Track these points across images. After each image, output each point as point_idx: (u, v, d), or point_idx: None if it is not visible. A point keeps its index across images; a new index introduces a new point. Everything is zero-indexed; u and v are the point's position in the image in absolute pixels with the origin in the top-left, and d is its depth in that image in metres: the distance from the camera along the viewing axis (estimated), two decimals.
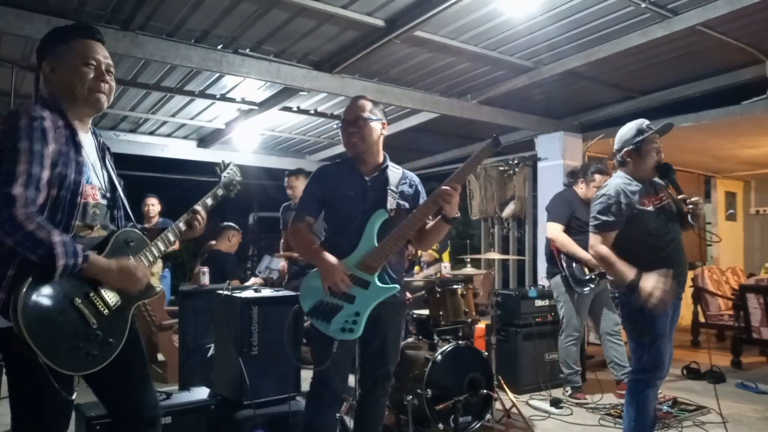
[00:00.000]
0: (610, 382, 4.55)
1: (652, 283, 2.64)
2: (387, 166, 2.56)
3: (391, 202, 2.46)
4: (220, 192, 2.22)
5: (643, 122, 2.92)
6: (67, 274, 1.59)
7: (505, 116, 5.91)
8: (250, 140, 6.95)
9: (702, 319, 6.69)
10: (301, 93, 5.11)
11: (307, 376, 2.77)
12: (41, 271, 1.56)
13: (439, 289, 3.73)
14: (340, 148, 7.61)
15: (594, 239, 2.83)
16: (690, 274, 6.68)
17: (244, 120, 6.08)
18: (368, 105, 2.52)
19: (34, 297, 1.56)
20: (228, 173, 2.30)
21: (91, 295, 1.69)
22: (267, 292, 3.48)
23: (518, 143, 6.90)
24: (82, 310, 1.66)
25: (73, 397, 1.73)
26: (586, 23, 4.00)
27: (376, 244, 2.39)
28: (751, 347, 5.81)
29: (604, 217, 2.81)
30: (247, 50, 4.34)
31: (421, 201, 2.55)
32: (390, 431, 3.58)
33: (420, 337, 3.79)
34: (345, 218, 2.48)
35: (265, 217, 10.69)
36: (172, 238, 1.96)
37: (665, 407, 3.94)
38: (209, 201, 2.16)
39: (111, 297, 1.74)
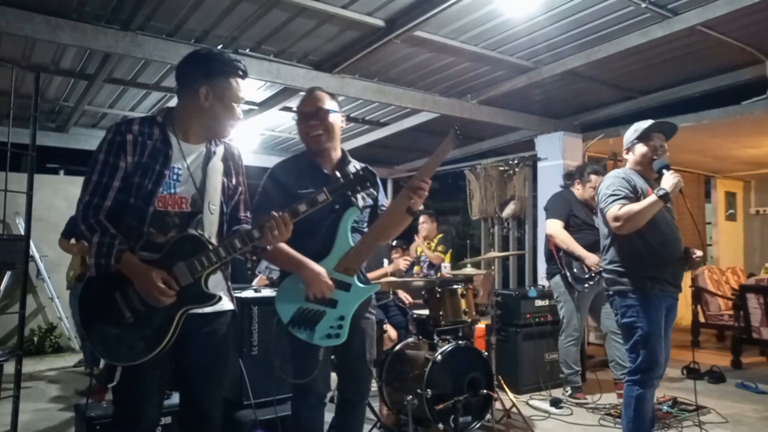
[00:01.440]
0: (610, 382, 4.55)
1: None
2: (349, 162, 2.44)
3: (361, 200, 2.36)
4: (321, 197, 1.97)
5: (645, 122, 2.94)
6: (102, 270, 1.77)
7: (505, 116, 5.91)
8: (250, 140, 6.95)
9: (702, 319, 6.69)
10: (301, 93, 5.09)
11: None
12: (90, 268, 1.80)
13: (439, 289, 3.73)
14: None
15: (614, 209, 2.76)
16: (690, 274, 6.71)
17: (244, 120, 6.07)
18: (326, 96, 2.45)
19: (88, 289, 1.84)
20: (351, 179, 1.99)
21: (130, 290, 1.80)
22: (267, 292, 3.48)
23: (518, 143, 6.90)
24: (119, 304, 1.80)
25: (110, 385, 1.84)
26: (586, 23, 4.00)
27: (352, 245, 2.29)
28: (751, 347, 5.81)
29: (618, 191, 2.80)
30: (247, 50, 4.34)
31: (380, 195, 2.47)
32: (390, 431, 3.58)
33: (420, 337, 3.79)
34: (313, 219, 2.19)
35: None
36: (238, 245, 1.88)
37: (665, 407, 3.94)
38: (302, 207, 1.96)
39: None
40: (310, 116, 2.40)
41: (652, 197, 2.71)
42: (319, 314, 2.25)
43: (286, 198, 2.21)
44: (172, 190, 1.89)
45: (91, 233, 1.79)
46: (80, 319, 1.83)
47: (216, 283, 1.97)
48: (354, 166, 2.41)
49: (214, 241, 1.95)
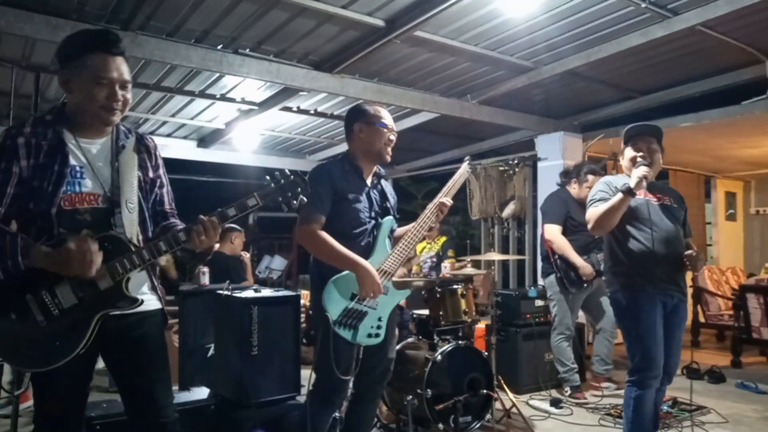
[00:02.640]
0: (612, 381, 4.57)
1: None
2: (383, 176, 2.67)
3: (393, 211, 2.61)
4: (251, 202, 1.88)
5: (634, 127, 2.97)
6: (14, 272, 1.66)
7: (505, 116, 5.91)
8: (250, 140, 6.95)
9: (702, 319, 6.69)
10: (301, 93, 5.11)
11: (307, 375, 2.76)
12: None
13: (439, 289, 3.73)
14: (340, 148, 7.63)
15: (588, 213, 2.85)
16: (690, 274, 6.69)
17: (244, 120, 6.08)
18: None
19: None
20: (284, 183, 1.92)
21: (44, 293, 1.70)
22: (267, 292, 3.48)
23: (518, 143, 6.91)
24: (31, 306, 1.69)
25: (16, 393, 1.76)
26: (586, 23, 4.00)
27: (389, 251, 2.48)
28: (751, 347, 5.81)
29: (598, 195, 2.87)
30: (247, 50, 4.34)
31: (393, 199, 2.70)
32: (390, 431, 3.58)
33: (420, 337, 3.79)
34: (356, 222, 2.46)
35: (265, 217, 10.68)
36: (162, 248, 1.80)
37: (665, 407, 3.94)
38: (231, 211, 1.86)
39: (65, 297, 1.71)
40: (392, 132, 2.58)
41: (617, 195, 2.72)
42: (363, 314, 2.37)
43: (335, 195, 2.43)
44: (77, 188, 1.79)
45: None
46: None
47: (139, 282, 1.87)
48: (384, 181, 2.68)
49: (135, 240, 1.86)
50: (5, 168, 1.73)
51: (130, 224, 1.85)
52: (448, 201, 2.62)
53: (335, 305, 2.33)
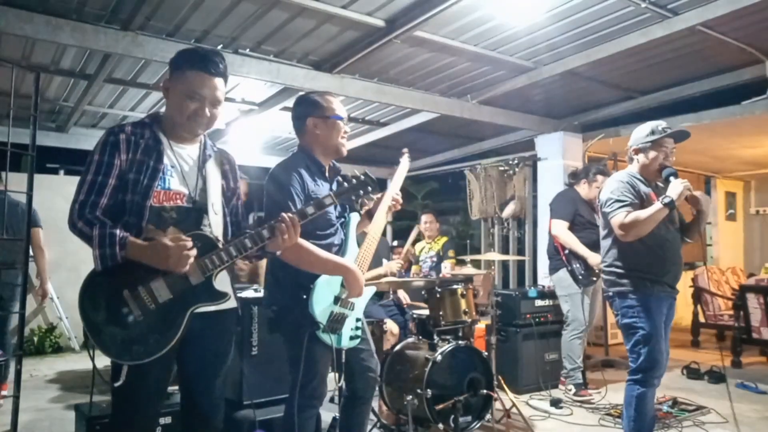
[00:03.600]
0: (612, 381, 4.57)
1: None
2: (340, 171, 2.50)
3: (353, 206, 2.53)
4: (327, 200, 2.03)
5: (660, 124, 2.93)
6: (110, 262, 1.75)
7: (505, 116, 5.91)
8: (250, 140, 6.95)
9: (702, 319, 6.69)
10: (301, 93, 5.10)
11: None
12: (95, 261, 1.77)
13: (439, 289, 3.73)
14: None
15: (620, 216, 2.76)
16: (690, 274, 6.72)
17: (244, 120, 6.08)
18: None
19: (91, 285, 1.80)
20: (355, 183, 2.04)
21: (140, 288, 1.78)
22: None
23: (518, 143, 6.90)
24: (128, 301, 1.77)
25: (117, 384, 1.80)
26: (586, 23, 4.00)
27: (358, 249, 2.41)
28: (751, 347, 5.81)
29: (623, 197, 2.79)
30: (247, 50, 4.34)
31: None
32: (390, 431, 3.58)
33: (420, 337, 3.79)
34: (326, 223, 2.33)
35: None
36: (248, 245, 1.89)
37: (665, 407, 3.94)
38: (309, 209, 2.01)
39: (161, 293, 1.80)
40: (344, 120, 2.45)
41: (657, 205, 2.70)
42: (344, 317, 2.32)
43: (306, 195, 2.28)
44: (167, 186, 1.91)
45: (89, 227, 1.78)
46: (83, 315, 1.80)
47: (223, 281, 1.96)
48: (341, 172, 2.54)
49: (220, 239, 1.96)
50: (108, 161, 1.85)
51: (215, 225, 1.97)
52: (398, 195, 2.57)
53: (323, 310, 2.25)
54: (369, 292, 2.46)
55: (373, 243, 2.46)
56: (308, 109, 2.43)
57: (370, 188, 2.04)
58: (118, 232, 1.77)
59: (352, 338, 2.38)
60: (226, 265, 1.88)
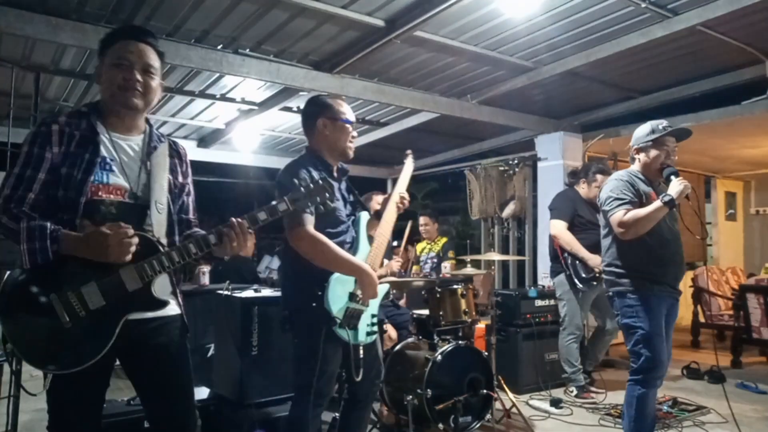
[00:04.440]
0: (612, 381, 4.58)
1: None
2: (347, 171, 2.57)
3: (361, 204, 2.57)
4: (281, 207, 1.87)
5: (660, 123, 2.93)
6: (41, 258, 1.61)
7: (505, 116, 5.91)
8: (250, 140, 6.95)
9: (702, 319, 6.69)
10: (301, 93, 5.10)
11: None
12: (23, 257, 1.62)
13: (439, 289, 3.73)
14: None
15: (619, 214, 2.76)
16: (690, 274, 6.72)
17: (244, 120, 6.08)
18: None
19: (14, 285, 1.66)
20: (312, 189, 1.92)
21: (69, 293, 1.64)
22: (267, 292, 3.48)
23: (518, 143, 6.90)
24: (56, 306, 1.63)
25: (36, 394, 1.70)
26: (586, 23, 4.00)
27: (369, 247, 2.45)
28: (751, 347, 5.81)
29: (623, 195, 2.79)
30: (247, 50, 4.34)
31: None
32: (390, 431, 3.58)
33: (420, 337, 3.79)
34: (337, 221, 2.39)
35: None
36: (193, 250, 1.76)
37: (665, 407, 3.95)
38: (262, 215, 1.84)
39: (92, 299, 1.66)
40: (353, 124, 2.50)
41: (657, 203, 2.70)
42: (360, 313, 2.35)
43: None
44: (105, 180, 1.77)
45: (15, 221, 1.64)
46: (2, 319, 1.66)
47: (163, 287, 1.82)
48: (348, 173, 2.59)
49: (162, 242, 1.82)
50: (38, 153, 1.73)
51: (158, 225, 1.83)
52: (405, 195, 2.59)
53: (339, 307, 2.28)
54: (383, 290, 2.52)
55: (383, 243, 2.49)
56: (319, 110, 2.48)
57: (327, 194, 1.93)
58: (48, 224, 1.64)
59: (369, 334, 2.40)
60: (167, 270, 1.75)
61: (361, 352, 2.35)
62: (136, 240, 1.67)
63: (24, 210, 1.67)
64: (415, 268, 5.41)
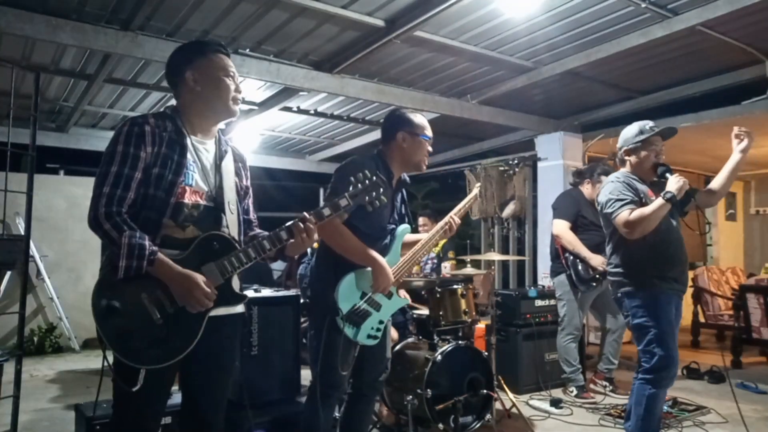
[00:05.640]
0: (614, 381, 4.57)
1: None
2: (408, 183, 2.68)
3: (408, 218, 2.68)
4: (343, 202, 1.99)
5: (647, 123, 2.94)
6: (133, 273, 1.68)
7: (505, 116, 5.91)
8: (250, 140, 6.95)
9: (702, 319, 6.69)
10: (301, 93, 5.11)
11: (307, 375, 2.76)
12: (114, 266, 1.69)
13: (439, 289, 3.73)
14: (340, 149, 7.64)
15: (624, 214, 2.76)
16: (690, 274, 6.71)
17: (244, 120, 6.08)
18: None
19: (107, 288, 1.72)
20: (369, 185, 2.03)
21: (158, 291, 1.73)
22: (267, 292, 3.48)
23: (518, 143, 6.91)
24: (147, 304, 1.72)
25: (135, 388, 1.73)
26: (586, 23, 4.00)
27: (399, 259, 2.52)
28: (751, 347, 5.81)
29: (623, 196, 2.79)
30: (247, 50, 4.34)
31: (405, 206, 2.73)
32: (390, 431, 3.58)
33: (420, 337, 3.79)
34: (377, 226, 2.50)
35: (265, 217, 10.66)
36: (267, 246, 1.85)
37: (665, 407, 3.94)
38: (326, 211, 1.97)
39: None
40: (430, 140, 2.62)
41: (659, 200, 2.70)
42: (367, 314, 2.41)
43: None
44: (190, 182, 1.85)
45: (118, 232, 1.69)
46: (98, 320, 1.72)
47: (236, 283, 1.93)
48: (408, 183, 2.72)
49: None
50: (134, 153, 1.77)
51: (233, 225, 1.93)
52: (457, 220, 2.72)
53: (347, 300, 2.36)
54: (401, 302, 2.59)
55: (417, 257, 2.59)
56: (402, 123, 2.60)
57: (381, 189, 2.03)
58: (147, 244, 1.70)
59: (369, 337, 2.44)
60: (245, 267, 1.84)
61: (357, 350, 2.42)
62: (212, 304, 1.77)
63: (125, 218, 1.73)
64: (415, 268, 5.41)
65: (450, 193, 11.34)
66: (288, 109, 5.85)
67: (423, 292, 3.94)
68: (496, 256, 4.49)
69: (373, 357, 2.56)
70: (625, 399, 3.06)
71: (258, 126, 6.50)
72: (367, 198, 2.01)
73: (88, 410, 2.71)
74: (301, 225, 1.88)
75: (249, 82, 4.97)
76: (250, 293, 3.37)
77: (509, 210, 6.91)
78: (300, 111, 6.00)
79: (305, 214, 1.90)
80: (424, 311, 3.89)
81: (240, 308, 1.98)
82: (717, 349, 6.54)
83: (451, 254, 5.48)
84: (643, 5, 3.67)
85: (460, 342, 3.56)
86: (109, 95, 5.51)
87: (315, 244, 2.21)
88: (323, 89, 4.81)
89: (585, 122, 6.32)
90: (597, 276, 4.28)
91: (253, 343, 3.17)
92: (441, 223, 2.68)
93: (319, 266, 2.55)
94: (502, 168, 7.01)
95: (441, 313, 3.69)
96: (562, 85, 5.24)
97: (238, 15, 3.80)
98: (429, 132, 2.62)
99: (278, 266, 7.48)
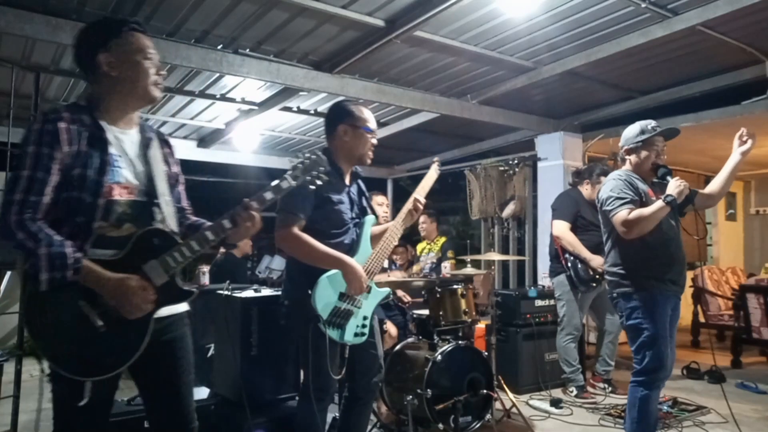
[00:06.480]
0: (614, 381, 4.57)
1: None
2: (360, 175, 2.64)
3: (370, 209, 2.62)
4: (284, 184, 1.87)
5: (649, 123, 2.93)
6: (57, 284, 1.54)
7: (505, 116, 5.91)
8: (250, 140, 6.94)
9: (702, 319, 6.69)
10: (301, 93, 5.11)
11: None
12: (41, 282, 1.55)
13: (439, 289, 3.73)
14: None
15: (622, 213, 2.75)
16: (690, 274, 6.72)
17: (244, 120, 6.08)
18: None
19: (39, 299, 1.59)
20: (308, 162, 1.93)
21: (99, 297, 1.61)
22: (267, 292, 3.48)
23: (518, 143, 6.90)
24: (87, 311, 1.60)
25: (82, 402, 1.62)
26: (586, 23, 4.00)
27: (371, 250, 2.48)
28: (751, 347, 5.81)
29: (624, 195, 2.78)
30: (247, 50, 4.34)
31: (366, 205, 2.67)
32: (390, 431, 3.58)
33: (420, 337, 3.79)
34: (339, 223, 2.45)
35: (265, 217, 10.68)
36: (210, 237, 1.74)
37: (665, 407, 3.94)
38: (268, 195, 1.84)
39: None
40: (375, 135, 2.56)
41: (659, 203, 2.71)
42: (349, 314, 2.38)
43: (319, 197, 2.36)
44: (116, 178, 1.71)
45: (34, 242, 1.54)
46: (34, 337, 1.60)
47: (179, 280, 1.81)
48: (360, 181, 2.65)
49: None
50: (48, 154, 1.61)
51: (170, 217, 1.81)
52: (422, 199, 2.61)
53: (325, 305, 2.32)
54: (381, 293, 2.53)
55: (389, 244, 2.52)
56: (342, 116, 2.54)
57: (322, 168, 1.94)
58: (69, 252, 1.55)
59: (356, 335, 2.42)
60: (189, 261, 1.72)
61: (347, 351, 2.40)
62: (152, 306, 1.66)
63: (40, 225, 1.58)
64: (415, 268, 5.42)
65: (450, 193, 11.35)
66: (288, 109, 5.85)
67: (423, 292, 3.93)
68: (496, 256, 4.49)
69: (364, 358, 2.54)
70: (624, 399, 3.06)
71: (258, 126, 6.50)
72: (308, 177, 1.92)
73: None
74: (244, 212, 1.77)
75: (249, 82, 4.97)
76: (249, 293, 3.38)
77: (509, 210, 6.91)
78: (300, 111, 6.00)
79: (246, 200, 1.79)
80: (424, 311, 3.90)
81: (185, 306, 1.87)
82: (717, 349, 6.54)
83: (450, 254, 5.48)
84: (643, 5, 3.67)
85: (460, 342, 3.56)
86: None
87: (248, 250, 2.18)
88: (323, 89, 4.81)
89: (585, 122, 6.32)
90: (597, 276, 4.28)
91: (253, 343, 3.17)
92: (407, 205, 2.58)
93: (291, 275, 2.51)
94: (502, 168, 7.01)
95: (441, 313, 3.70)
96: (562, 85, 5.24)
97: (238, 15, 3.80)
98: (372, 124, 2.55)
99: (278, 266, 7.48)
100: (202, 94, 5.40)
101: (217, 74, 4.68)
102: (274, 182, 1.87)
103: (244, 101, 5.62)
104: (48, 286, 1.54)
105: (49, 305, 1.60)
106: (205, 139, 7.13)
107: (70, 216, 1.64)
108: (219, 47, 4.23)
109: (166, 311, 1.76)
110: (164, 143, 1.95)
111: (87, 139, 1.68)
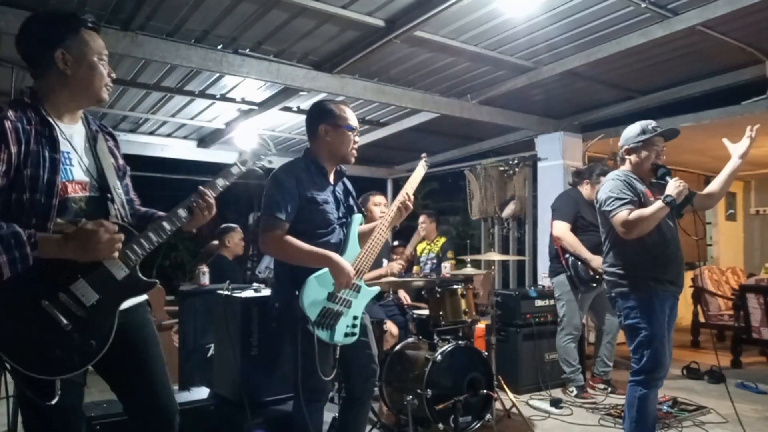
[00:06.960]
0: (614, 381, 4.57)
1: None
2: (345, 174, 2.62)
3: (357, 207, 2.61)
4: (234, 170, 1.91)
5: (650, 123, 2.93)
6: (21, 266, 1.51)
7: (505, 116, 5.91)
8: (250, 140, 6.94)
9: (702, 319, 6.69)
10: (301, 93, 5.10)
11: None
12: (4, 268, 1.51)
13: (439, 289, 3.73)
14: None
15: (622, 214, 2.75)
16: (690, 274, 6.72)
17: (244, 120, 6.08)
18: None
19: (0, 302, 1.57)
20: (255, 148, 2.00)
21: (61, 295, 1.60)
22: (267, 292, 3.48)
23: (518, 143, 6.91)
24: (51, 311, 1.58)
25: (53, 402, 1.61)
26: (586, 23, 4.00)
27: (359, 249, 2.46)
28: (751, 347, 5.81)
29: (623, 195, 2.78)
30: (247, 50, 4.34)
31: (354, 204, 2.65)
32: (390, 431, 3.58)
33: (420, 337, 3.79)
34: (325, 223, 2.44)
35: None
36: (167, 227, 1.74)
37: (665, 407, 3.94)
38: (220, 182, 1.87)
39: (86, 296, 1.64)
40: (357, 133, 2.54)
41: (659, 203, 2.71)
42: (338, 314, 2.36)
43: (302, 198, 2.38)
44: (69, 176, 1.69)
45: None
46: None
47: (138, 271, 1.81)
48: (346, 180, 2.63)
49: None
50: None
51: (123, 210, 1.83)
52: (410, 196, 2.58)
53: (313, 306, 2.31)
54: (371, 292, 2.51)
55: (378, 243, 2.49)
56: (322, 116, 2.52)
57: (268, 152, 2.01)
58: (21, 230, 1.52)
59: (347, 335, 2.40)
60: (147, 252, 1.73)
61: (338, 352, 2.38)
62: (122, 236, 1.64)
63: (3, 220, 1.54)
64: (415, 268, 5.42)
65: (450, 193, 11.38)
66: (288, 109, 5.85)
67: (423, 292, 3.93)
68: (496, 256, 4.49)
69: (358, 359, 2.52)
70: (624, 399, 3.07)
71: (258, 126, 6.49)
72: (257, 161, 1.98)
73: (88, 410, 2.71)
74: (199, 200, 1.79)
75: (249, 82, 4.97)
76: (250, 293, 3.37)
77: (509, 210, 6.91)
78: (300, 111, 6.00)
79: (200, 188, 1.81)
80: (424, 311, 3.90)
81: (143, 297, 1.88)
82: (717, 349, 6.52)
83: (450, 254, 5.48)
84: (643, 5, 3.67)
85: (460, 342, 3.56)
86: (109, 95, 5.49)
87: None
88: (323, 89, 4.81)
89: (585, 122, 6.32)
90: (597, 277, 4.28)
91: (253, 343, 3.17)
92: (396, 201, 2.56)
93: (278, 277, 2.51)
94: (502, 168, 7.01)
95: (441, 313, 3.70)
96: (562, 85, 5.24)
97: (238, 15, 3.80)
98: (353, 122, 2.52)
99: None
100: (202, 94, 5.40)
101: (217, 74, 4.68)
102: (225, 169, 1.91)
103: (244, 101, 5.62)
104: (11, 270, 1.50)
105: (11, 308, 1.58)
106: (205, 139, 7.13)
107: (23, 216, 1.61)
108: (219, 47, 4.23)
109: (127, 303, 1.77)
110: (109, 136, 1.95)
111: (35, 138, 1.64)
